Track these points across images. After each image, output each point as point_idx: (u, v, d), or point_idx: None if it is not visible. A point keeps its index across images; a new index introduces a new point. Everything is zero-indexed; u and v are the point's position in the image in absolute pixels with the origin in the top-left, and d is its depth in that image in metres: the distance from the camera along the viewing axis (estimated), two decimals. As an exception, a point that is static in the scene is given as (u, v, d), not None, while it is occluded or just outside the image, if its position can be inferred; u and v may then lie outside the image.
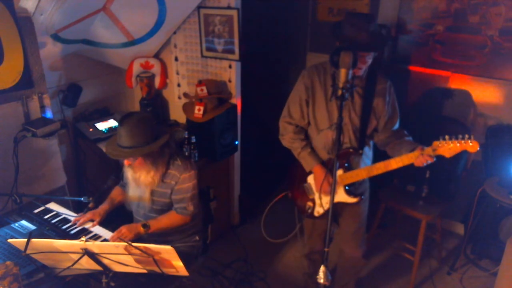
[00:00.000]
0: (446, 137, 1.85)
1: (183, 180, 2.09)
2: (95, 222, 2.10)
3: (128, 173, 2.10)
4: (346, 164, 2.13)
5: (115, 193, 2.31)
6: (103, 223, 2.15)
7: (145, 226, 2.06)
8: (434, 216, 2.80)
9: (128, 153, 1.93)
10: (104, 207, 2.20)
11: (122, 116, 1.97)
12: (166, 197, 2.14)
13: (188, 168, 2.10)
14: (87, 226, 2.10)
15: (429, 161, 1.92)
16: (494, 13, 2.95)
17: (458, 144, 1.83)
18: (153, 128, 1.98)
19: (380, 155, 2.16)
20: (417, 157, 1.94)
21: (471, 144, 1.81)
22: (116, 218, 2.23)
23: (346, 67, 1.73)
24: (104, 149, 3.01)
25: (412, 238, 2.97)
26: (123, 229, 2.03)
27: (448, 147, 1.85)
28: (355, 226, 2.39)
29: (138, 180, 2.07)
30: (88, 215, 2.11)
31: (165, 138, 1.99)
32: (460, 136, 1.83)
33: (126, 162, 2.01)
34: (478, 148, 1.80)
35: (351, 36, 1.95)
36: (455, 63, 3.22)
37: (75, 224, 2.12)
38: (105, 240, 2.02)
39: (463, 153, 2.96)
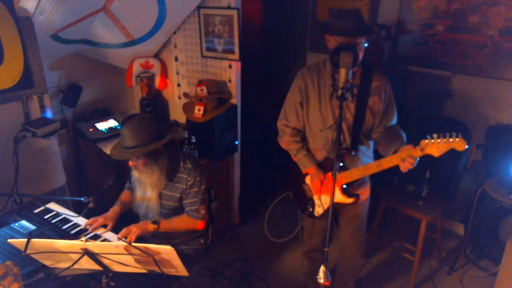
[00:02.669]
0: (434, 135, 1.82)
1: (194, 184, 2.10)
2: (108, 227, 2.08)
3: (135, 175, 2.10)
4: (340, 164, 2.14)
5: (125, 196, 2.31)
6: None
7: (155, 222, 2.06)
8: (434, 216, 2.81)
9: (130, 153, 1.93)
10: (115, 210, 2.18)
11: (125, 117, 1.98)
12: (174, 201, 2.13)
13: (199, 171, 2.11)
14: (99, 232, 2.07)
15: (410, 166, 1.89)
16: (494, 13, 2.95)
17: (445, 143, 1.82)
18: (155, 128, 1.98)
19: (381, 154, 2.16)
20: (400, 161, 1.92)
21: (458, 141, 1.79)
22: (124, 220, 2.23)
23: (346, 67, 1.73)
24: (103, 149, 3.03)
25: (412, 238, 2.97)
26: (132, 225, 2.03)
27: (436, 146, 1.83)
28: (354, 226, 2.39)
29: (145, 182, 2.07)
30: (100, 220, 2.08)
31: (167, 138, 2.00)
32: (448, 135, 1.81)
33: (130, 163, 2.01)
34: (466, 146, 1.77)
35: (339, 24, 1.95)
36: (455, 63, 3.22)
37: (75, 224, 2.11)
38: (105, 240, 2.02)
39: (462, 153, 2.98)
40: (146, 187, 2.09)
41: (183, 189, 2.10)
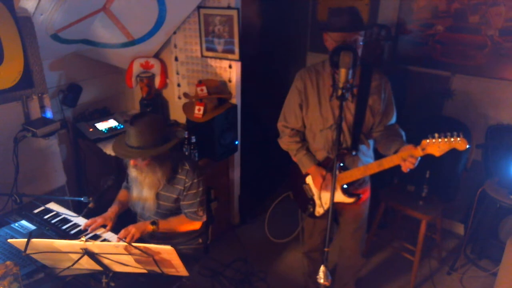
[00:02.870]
0: (436, 135, 1.82)
1: (192, 186, 2.09)
2: (108, 228, 2.08)
3: (133, 174, 2.07)
4: (341, 164, 2.14)
5: (123, 195, 2.30)
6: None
7: (153, 223, 2.06)
8: (434, 216, 2.81)
9: (138, 154, 1.91)
10: (114, 210, 2.18)
11: (134, 116, 1.95)
12: (170, 202, 2.13)
13: (197, 173, 2.10)
14: (99, 232, 2.07)
15: (411, 166, 1.89)
16: (494, 13, 2.95)
17: (446, 142, 1.82)
18: (163, 130, 1.97)
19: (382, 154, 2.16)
20: (401, 161, 1.92)
21: (459, 141, 1.79)
22: (123, 220, 2.23)
23: (346, 67, 1.73)
24: (103, 149, 3.03)
25: (412, 238, 2.97)
26: (131, 226, 2.02)
27: (437, 146, 1.83)
28: (355, 226, 2.39)
29: (143, 182, 2.05)
30: (100, 220, 2.08)
31: (174, 141, 1.98)
32: (449, 134, 1.80)
33: (132, 162, 1.99)
34: (467, 146, 1.78)
35: (335, 21, 1.96)
36: (455, 63, 3.22)
37: (75, 224, 2.11)
38: (105, 240, 2.02)
39: (462, 153, 2.98)
40: (143, 186, 2.07)
41: (181, 190, 2.10)
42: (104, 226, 2.09)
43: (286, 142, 2.30)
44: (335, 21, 1.97)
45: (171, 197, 2.12)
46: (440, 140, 1.81)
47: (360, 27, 1.96)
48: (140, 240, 2.01)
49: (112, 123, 3.28)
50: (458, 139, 1.79)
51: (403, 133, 2.12)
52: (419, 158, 1.89)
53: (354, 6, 2.01)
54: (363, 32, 1.99)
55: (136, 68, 3.35)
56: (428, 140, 1.84)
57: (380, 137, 2.17)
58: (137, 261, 1.60)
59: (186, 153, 2.97)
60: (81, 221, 2.13)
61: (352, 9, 1.97)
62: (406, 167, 1.91)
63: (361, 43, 1.98)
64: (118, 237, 1.97)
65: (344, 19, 1.94)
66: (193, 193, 2.10)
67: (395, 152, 1.96)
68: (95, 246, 1.52)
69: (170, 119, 3.65)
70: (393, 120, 2.19)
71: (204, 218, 2.18)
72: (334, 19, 1.98)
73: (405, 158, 1.90)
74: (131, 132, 1.91)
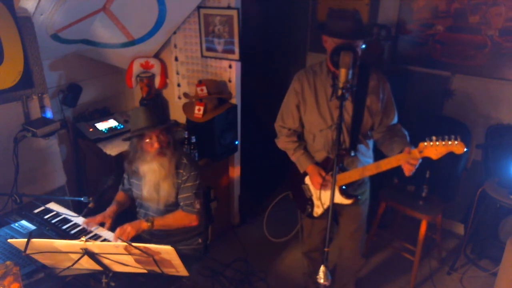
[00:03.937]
0: (433, 138, 1.82)
1: (189, 178, 2.13)
2: (106, 225, 2.09)
3: (145, 168, 2.10)
4: (340, 165, 2.13)
5: (120, 196, 2.32)
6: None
7: (148, 220, 2.07)
8: (434, 216, 2.81)
9: (159, 126, 2.02)
10: (112, 209, 2.20)
11: (135, 109, 2.08)
12: (172, 197, 2.16)
13: (194, 167, 2.15)
14: (99, 232, 2.07)
15: (413, 168, 1.89)
16: (494, 13, 2.95)
17: (444, 146, 1.81)
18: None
19: (382, 154, 2.15)
20: (403, 164, 1.92)
21: (456, 144, 1.78)
22: (123, 220, 2.24)
23: (346, 67, 1.73)
24: (104, 149, 3.03)
25: (412, 238, 2.97)
26: (126, 225, 2.03)
27: (434, 149, 1.82)
28: (354, 226, 2.39)
29: (157, 174, 2.09)
30: (99, 218, 2.10)
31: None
32: (446, 137, 1.80)
33: (156, 144, 2.05)
34: (465, 149, 1.77)
35: (338, 26, 1.95)
36: (455, 63, 3.22)
37: (75, 224, 2.12)
38: (105, 240, 2.02)
39: (462, 154, 2.97)
40: (156, 182, 2.11)
41: (179, 183, 2.13)
42: (102, 224, 2.10)
43: (283, 142, 2.30)
44: (337, 26, 1.95)
45: (172, 192, 2.15)
46: (437, 143, 1.81)
47: (364, 35, 1.96)
48: (141, 239, 2.01)
49: (112, 123, 3.28)
50: (456, 142, 1.78)
51: (406, 133, 2.11)
52: (420, 160, 1.89)
53: (357, 11, 2.00)
54: None
55: (136, 68, 3.35)
56: (425, 143, 1.83)
57: (382, 138, 2.16)
58: (137, 261, 1.60)
59: (186, 153, 2.98)
60: (81, 221, 2.13)
61: (356, 15, 1.96)
62: (409, 170, 1.90)
63: (362, 46, 1.97)
64: (114, 235, 1.98)
65: (348, 25, 1.92)
66: (190, 185, 2.13)
67: (398, 153, 1.96)
68: (95, 246, 1.52)
69: (170, 119, 3.65)
70: (395, 120, 2.18)
71: (201, 212, 2.19)
72: (337, 22, 1.95)
73: (404, 161, 1.90)
74: (142, 113, 2.02)
